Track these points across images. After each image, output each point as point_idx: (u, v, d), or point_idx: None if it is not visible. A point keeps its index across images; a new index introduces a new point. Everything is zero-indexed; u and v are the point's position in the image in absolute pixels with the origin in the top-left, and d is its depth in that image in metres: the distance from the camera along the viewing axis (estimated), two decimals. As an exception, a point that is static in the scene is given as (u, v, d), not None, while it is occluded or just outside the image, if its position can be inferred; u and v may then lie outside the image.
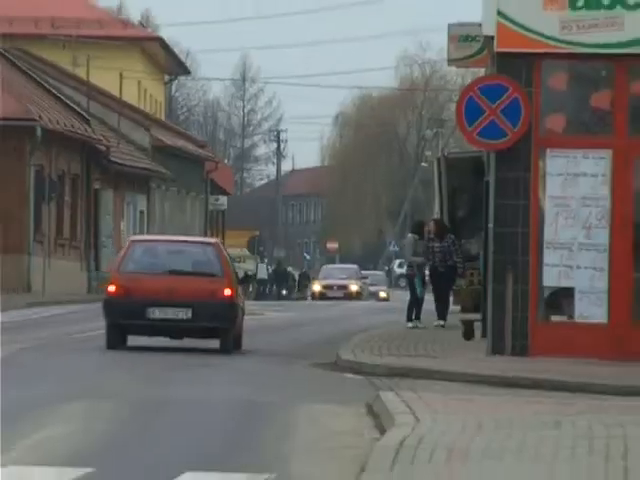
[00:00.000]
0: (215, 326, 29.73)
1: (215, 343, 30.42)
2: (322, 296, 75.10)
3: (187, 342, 31.27)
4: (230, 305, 30.05)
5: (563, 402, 18.71)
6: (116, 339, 29.45)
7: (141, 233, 63.57)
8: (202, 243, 36.28)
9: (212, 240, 40.79)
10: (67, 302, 49.61)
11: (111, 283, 30.54)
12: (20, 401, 17.70)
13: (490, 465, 11.54)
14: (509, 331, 24.36)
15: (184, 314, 29.64)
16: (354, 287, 77.78)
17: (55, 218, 58.13)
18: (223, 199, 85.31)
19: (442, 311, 35.13)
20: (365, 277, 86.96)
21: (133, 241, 34.72)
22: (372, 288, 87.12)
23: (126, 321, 29.44)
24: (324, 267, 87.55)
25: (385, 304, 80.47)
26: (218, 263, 31.24)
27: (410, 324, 35.30)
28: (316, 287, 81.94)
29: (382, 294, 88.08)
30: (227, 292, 30.04)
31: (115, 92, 69.54)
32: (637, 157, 23.89)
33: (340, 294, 72.90)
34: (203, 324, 29.81)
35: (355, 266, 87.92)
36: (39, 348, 30.32)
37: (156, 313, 29.29)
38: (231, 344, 29.78)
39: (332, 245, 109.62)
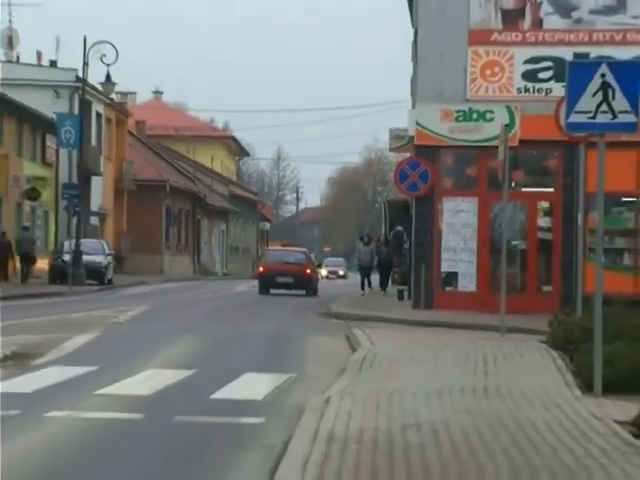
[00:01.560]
0: (303, 285, 51.85)
1: (302, 292, 50.56)
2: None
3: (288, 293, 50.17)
4: (309, 276, 53.14)
5: (452, 334, 24.67)
6: (263, 291, 50.47)
7: (222, 245, 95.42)
8: (298, 250, 63.41)
9: (303, 249, 68.19)
10: (181, 280, 68.25)
11: (260, 267, 54.57)
12: (155, 333, 24.23)
13: (412, 367, 17.53)
14: (422, 296, 31.81)
15: (290, 279, 51.37)
16: (341, 272, 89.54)
17: (176, 234, 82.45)
18: (267, 224, 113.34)
19: (384, 284, 47.86)
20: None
21: (266, 249, 65.32)
22: (335, 268, 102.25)
23: (267, 283, 51.17)
24: (328, 259, 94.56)
25: (344, 281, 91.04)
26: (305, 258, 55.78)
27: (361, 292, 48.22)
28: (260, 268, 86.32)
29: (340, 272, 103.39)
30: (308, 271, 53.26)
31: (209, 165, 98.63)
32: (491, 202, 30.17)
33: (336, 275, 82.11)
34: (298, 284, 51.66)
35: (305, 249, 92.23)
36: (167, 306, 38.29)
37: (279, 279, 51.08)
38: (310, 292, 51.42)
39: (327, 249, 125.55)
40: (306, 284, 51.51)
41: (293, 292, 50.90)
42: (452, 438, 10.85)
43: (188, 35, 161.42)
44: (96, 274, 48.71)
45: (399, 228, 46.47)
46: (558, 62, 27.20)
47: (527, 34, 29.44)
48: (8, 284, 44.45)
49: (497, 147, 23.97)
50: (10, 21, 64.03)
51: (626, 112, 14.58)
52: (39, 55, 64.52)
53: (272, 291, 50.50)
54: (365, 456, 9.89)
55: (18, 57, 63.54)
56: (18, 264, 47.55)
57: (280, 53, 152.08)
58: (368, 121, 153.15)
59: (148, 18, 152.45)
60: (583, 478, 9.18)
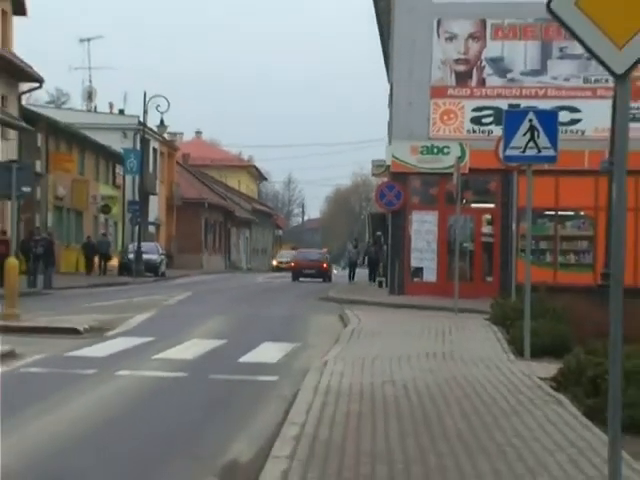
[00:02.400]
0: (321, 275, 52.97)
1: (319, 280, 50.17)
2: (278, 268, 75.68)
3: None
4: (325, 269, 54.98)
5: (418, 313, 24.14)
6: (294, 279, 50.79)
7: (246, 247, 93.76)
8: (317, 252, 64.04)
9: (323, 250, 69.77)
10: (216, 273, 65.06)
11: (292, 263, 56.29)
12: (196, 312, 23.86)
13: (389, 338, 17.49)
14: (396, 285, 30.83)
15: (313, 271, 53.37)
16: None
17: (212, 239, 79.67)
18: (280, 231, 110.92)
19: (372, 277, 45.32)
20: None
21: (297, 251, 65.02)
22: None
23: (297, 274, 52.14)
24: (283, 252, 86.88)
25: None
26: (322, 257, 57.91)
27: (348, 282, 46.28)
28: (274, 262, 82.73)
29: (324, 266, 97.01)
30: (324, 265, 55.39)
31: (236, 187, 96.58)
32: (448, 215, 29.01)
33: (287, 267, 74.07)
34: (318, 274, 52.84)
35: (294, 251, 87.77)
36: (205, 292, 36.49)
37: (305, 271, 52.90)
38: (326, 280, 51.22)
39: (324, 250, 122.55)
40: (323, 274, 53.91)
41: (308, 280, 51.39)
42: (418, 391, 10.93)
43: (221, 94, 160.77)
44: (152, 268, 48.85)
45: (378, 233, 46.56)
46: (497, 111, 27.29)
47: (474, 90, 29.50)
48: (92, 276, 45.02)
49: (452, 174, 23.83)
50: (90, 81, 65.04)
51: (547, 148, 14.68)
52: (111, 106, 65.35)
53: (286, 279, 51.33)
54: (353, 404, 9.99)
55: (95, 107, 64.18)
56: (97, 260, 48.21)
57: (288, 104, 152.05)
58: (356, 154, 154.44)
59: (193, 77, 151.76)
60: (515, 420, 9.28)
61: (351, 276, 49.38)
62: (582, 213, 29.33)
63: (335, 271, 62.93)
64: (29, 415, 9.73)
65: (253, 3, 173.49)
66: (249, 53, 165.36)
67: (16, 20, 41.73)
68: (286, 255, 78.72)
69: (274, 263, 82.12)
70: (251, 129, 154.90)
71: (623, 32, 4.90)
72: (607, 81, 24.37)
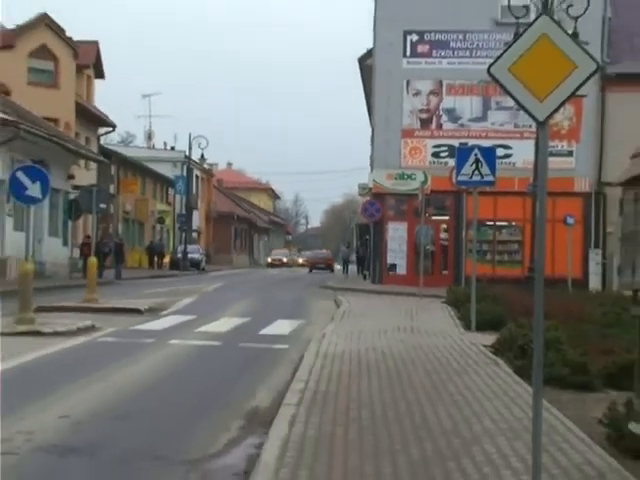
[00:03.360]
0: (328, 268, 56.00)
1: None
2: (272, 265, 68.61)
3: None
4: (331, 264, 58.19)
5: (393, 298, 23.81)
6: (310, 271, 53.00)
7: (265, 248, 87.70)
8: (325, 251, 66.71)
9: (326, 250, 69.43)
10: (242, 268, 63.56)
11: (308, 260, 60.80)
12: (228, 297, 23.79)
13: (371, 316, 17.28)
14: (377, 276, 30.50)
15: (322, 265, 56.68)
16: (285, 260, 71.48)
17: (239, 243, 77.09)
18: (290, 237, 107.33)
19: (362, 271, 42.17)
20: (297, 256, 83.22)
21: (312, 251, 68.56)
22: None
23: (312, 267, 55.61)
24: (274, 251, 78.63)
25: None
26: (328, 255, 62.06)
27: (343, 275, 44.60)
28: (268, 259, 73.96)
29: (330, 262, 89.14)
30: (330, 262, 58.93)
31: (257, 204, 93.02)
32: (415, 225, 28.30)
33: (281, 263, 68.33)
34: (326, 268, 55.72)
35: (286, 250, 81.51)
36: (234, 282, 35.71)
37: (318, 265, 56.32)
38: (331, 271, 53.92)
39: (323, 253, 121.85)
40: (329, 267, 57.66)
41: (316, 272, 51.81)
42: (393, 355, 10.91)
43: (247, 135, 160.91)
44: (195, 264, 48.67)
45: (367, 237, 45.56)
46: (451, 147, 27.22)
47: (433, 132, 29.47)
48: (151, 270, 45.12)
49: (418, 194, 23.94)
50: (149, 125, 65.78)
51: (488, 175, 14.74)
52: (165, 144, 65.40)
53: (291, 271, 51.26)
54: (345, 365, 9.98)
55: (153, 145, 64.24)
56: (156, 259, 48.67)
57: (295, 142, 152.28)
58: (346, 179, 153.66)
59: (229, 123, 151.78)
60: (464, 376, 9.27)
61: (345, 270, 47.68)
62: (513, 223, 29.30)
63: (338, 266, 61.92)
64: (108, 371, 9.80)
65: (269, 66, 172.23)
66: (267, 108, 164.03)
67: (97, 82, 42.11)
68: (276, 254, 73.97)
69: (269, 260, 73.16)
70: (269, 160, 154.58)
71: (543, 90, 4.96)
72: (531, 126, 24.33)
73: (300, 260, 74.06)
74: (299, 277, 45.37)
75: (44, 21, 34.10)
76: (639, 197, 7.26)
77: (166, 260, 50.05)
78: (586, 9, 3.82)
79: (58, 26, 34.78)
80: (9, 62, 32.42)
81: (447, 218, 29.87)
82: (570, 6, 3.94)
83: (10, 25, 34.63)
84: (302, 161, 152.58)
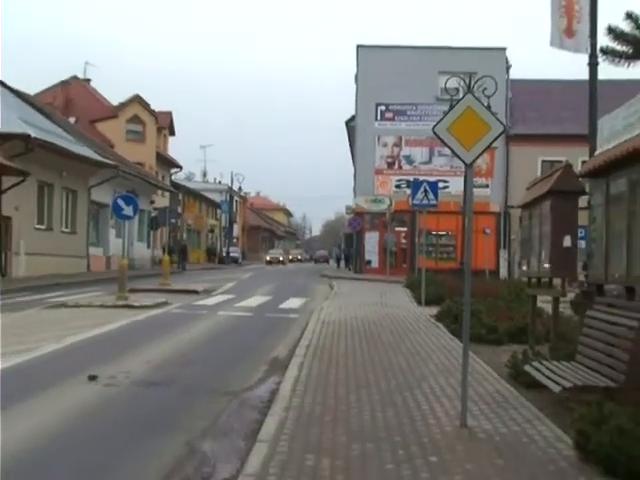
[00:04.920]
0: (326, 261, 52.66)
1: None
2: (270, 262, 51.80)
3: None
4: (327, 259, 54.53)
5: (369, 283, 22.68)
6: (314, 263, 45.28)
7: (282, 249, 71.17)
8: (324, 251, 62.23)
9: (324, 251, 64.09)
10: (258, 262, 55.50)
11: (314, 257, 55.85)
12: (257, 282, 22.92)
13: (354, 295, 16.69)
14: (359, 268, 29.36)
15: (322, 260, 53.69)
16: (281, 258, 53.98)
17: (265, 246, 70.97)
18: (299, 242, 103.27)
19: (348, 265, 39.37)
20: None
21: (317, 251, 61.62)
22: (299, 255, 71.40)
23: (316, 261, 47.87)
24: (271, 250, 62.08)
25: (318, 264, 69.66)
26: (325, 254, 57.72)
27: (336, 267, 42.67)
28: (267, 258, 54.73)
29: (299, 257, 69.77)
30: (326, 258, 54.36)
31: (277, 219, 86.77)
32: (384, 234, 27.82)
33: (277, 261, 52.65)
34: (325, 261, 52.47)
35: (281, 250, 63.86)
36: (261, 273, 33.94)
37: (320, 260, 55.32)
38: (328, 264, 48.38)
39: (323, 252, 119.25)
40: (326, 261, 55.20)
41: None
42: (369, 321, 10.80)
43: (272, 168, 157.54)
44: (234, 260, 48.20)
45: (351, 242, 44.59)
46: (408, 182, 26.86)
47: (396, 171, 29.24)
48: (208, 264, 44.42)
49: (386, 213, 23.96)
50: (205, 167, 66.68)
51: (433, 200, 14.77)
52: (215, 179, 64.87)
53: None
54: (336, 328, 9.88)
55: (207, 180, 63.85)
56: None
57: (303, 175, 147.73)
58: (338, 201, 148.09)
59: (257, 158, 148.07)
60: (417, 335, 9.16)
61: (338, 265, 46.19)
62: (449, 233, 29.01)
63: (332, 262, 59.17)
64: (176, 332, 9.65)
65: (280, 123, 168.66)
66: (284, 157, 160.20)
67: (170, 138, 42.02)
68: (272, 253, 57.43)
69: (267, 258, 54.71)
70: (285, 188, 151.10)
71: (469, 143, 4.97)
72: (461, 167, 24.19)
73: (268, 257, 54.66)
74: (305, 268, 44.81)
75: (136, 99, 35.04)
76: (531, 215, 7.22)
77: (216, 258, 49.82)
78: (495, 91, 3.86)
79: (145, 102, 35.45)
80: (113, 126, 34.15)
81: (405, 229, 29.62)
82: (485, 89, 4.01)
83: (115, 102, 36.13)
84: (307, 190, 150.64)
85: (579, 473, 3.56)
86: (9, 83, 23.72)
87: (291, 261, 60.69)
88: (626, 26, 2.95)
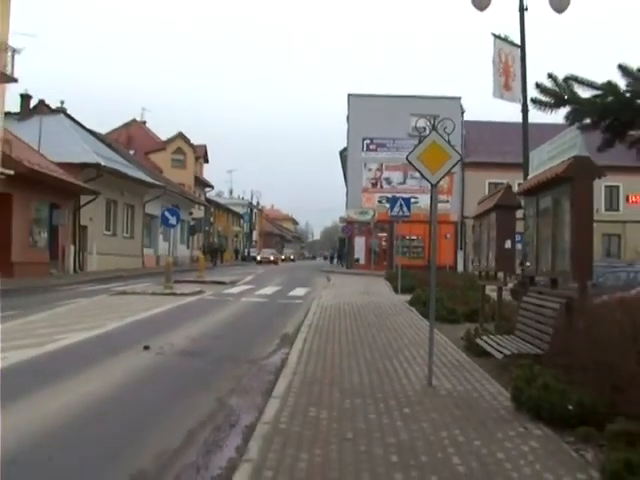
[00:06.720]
0: (324, 258, 41.11)
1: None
2: (260, 262, 41.51)
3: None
4: (326, 257, 44.09)
5: (357, 276, 21.79)
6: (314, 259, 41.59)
7: (277, 253, 63.61)
8: (324, 252, 52.10)
9: (324, 251, 57.15)
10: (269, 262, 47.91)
11: (316, 256, 45.88)
12: (270, 276, 21.90)
13: (346, 285, 16.20)
14: (349, 265, 28.09)
15: (325, 258, 42.37)
16: (272, 257, 42.49)
17: (277, 248, 61.39)
18: (303, 244, 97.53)
19: (341, 262, 37.73)
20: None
21: (320, 252, 50.28)
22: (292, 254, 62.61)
23: (326, 258, 44.49)
24: (263, 250, 50.38)
25: (314, 262, 62.02)
26: (324, 254, 43.34)
27: (331, 264, 40.28)
28: (258, 257, 44.40)
29: (291, 257, 58.46)
30: (325, 256, 42.83)
31: (285, 227, 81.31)
32: (369, 239, 26.95)
33: (267, 261, 41.47)
34: (324, 259, 43.09)
35: (274, 250, 52.22)
36: (274, 269, 31.52)
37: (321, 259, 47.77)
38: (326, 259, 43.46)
39: (324, 252, 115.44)
40: (325, 258, 50.71)
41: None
42: (358, 306, 10.70)
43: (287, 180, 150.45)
44: (253, 259, 47.02)
45: (344, 244, 43.61)
46: (388, 198, 26.55)
47: (378, 189, 29.13)
48: (234, 262, 43.81)
49: (370, 222, 23.79)
50: (231, 186, 65.95)
51: (407, 212, 14.70)
52: (238, 195, 64.55)
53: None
54: (332, 312, 9.77)
55: (232, 196, 63.01)
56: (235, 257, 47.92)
57: (305, 193, 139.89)
58: (334, 213, 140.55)
59: (272, 179, 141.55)
60: (395, 317, 9.08)
61: (331, 262, 45.56)
62: (419, 237, 28.77)
63: (275, 261, 46.14)
64: (209, 314, 9.46)
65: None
66: (294, 180, 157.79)
67: (205, 165, 41.60)
68: (264, 252, 46.87)
69: (258, 258, 42.66)
70: (294, 201, 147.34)
71: (434, 168, 4.98)
72: (428, 187, 24.03)
73: (259, 257, 42.57)
74: (307, 265, 43.90)
75: (179, 136, 35.93)
76: (481, 224, 7.22)
77: (240, 257, 49.39)
78: (453, 129, 3.92)
79: (186, 137, 36.25)
80: (162, 157, 35.30)
81: (386, 234, 29.43)
82: (445, 127, 4.09)
83: (163, 137, 37.06)
84: (310, 203, 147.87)
85: (514, 419, 3.65)
86: (87, 125, 24.74)
87: (283, 260, 49.08)
88: (548, 83, 3.10)
